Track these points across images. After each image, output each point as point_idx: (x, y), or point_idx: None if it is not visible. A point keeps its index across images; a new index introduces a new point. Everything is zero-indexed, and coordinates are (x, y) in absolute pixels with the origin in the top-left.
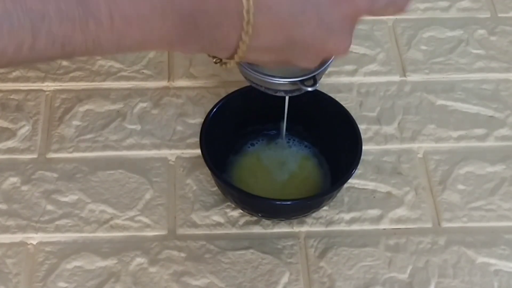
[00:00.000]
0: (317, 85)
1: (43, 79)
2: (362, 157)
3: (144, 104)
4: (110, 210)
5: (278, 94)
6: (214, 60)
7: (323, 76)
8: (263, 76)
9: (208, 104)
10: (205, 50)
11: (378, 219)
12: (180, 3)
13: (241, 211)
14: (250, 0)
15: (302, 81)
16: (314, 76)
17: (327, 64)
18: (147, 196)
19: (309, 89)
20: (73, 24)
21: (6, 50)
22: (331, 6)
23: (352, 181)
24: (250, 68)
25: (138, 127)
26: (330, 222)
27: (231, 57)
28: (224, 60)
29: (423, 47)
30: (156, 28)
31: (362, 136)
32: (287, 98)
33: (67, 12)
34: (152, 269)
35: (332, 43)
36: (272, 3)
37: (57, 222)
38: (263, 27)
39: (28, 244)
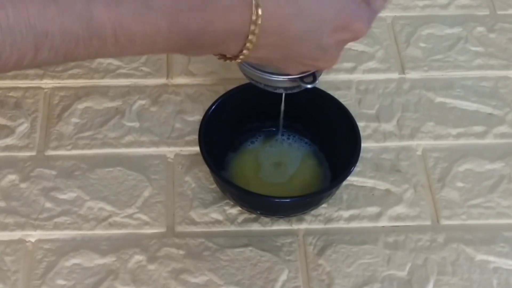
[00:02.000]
0: (317, 82)
1: (41, 77)
2: (361, 154)
3: (143, 102)
4: (108, 207)
5: (277, 91)
6: (218, 57)
7: (322, 73)
8: (262, 73)
9: (207, 101)
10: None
11: (377, 216)
12: (186, 24)
13: (240, 208)
14: (257, 27)
15: (301, 78)
16: (314, 73)
17: None
18: (146, 193)
19: (309, 86)
20: (76, 42)
21: (8, 61)
22: (332, 33)
23: (351, 179)
24: (249, 66)
25: (136, 124)
26: (329, 220)
27: (233, 58)
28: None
29: (422, 45)
30: (159, 45)
31: (361, 133)
32: (283, 95)
33: (71, 31)
34: (151, 267)
35: (323, 62)
36: (278, 29)
37: (55, 220)
38: (264, 45)
39: (27, 242)
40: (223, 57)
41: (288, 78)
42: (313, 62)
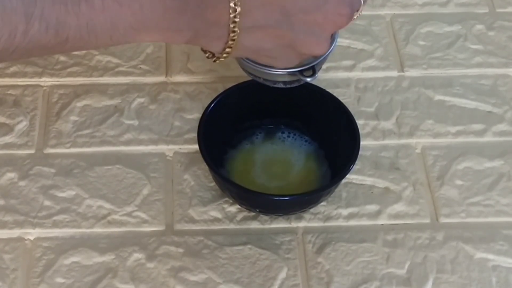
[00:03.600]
0: (316, 75)
1: (40, 74)
2: (360, 152)
3: (142, 100)
4: (107, 205)
5: (276, 85)
6: (207, 55)
7: (321, 71)
8: (261, 67)
9: (206, 99)
10: (199, 37)
11: (376, 214)
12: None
13: (239, 206)
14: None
15: (301, 72)
16: (313, 66)
17: (326, 54)
18: (145, 191)
19: (308, 79)
20: (65, 7)
21: None
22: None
23: (350, 177)
24: (248, 59)
25: (135, 122)
26: (328, 218)
27: (226, 47)
28: (217, 55)
29: (421, 42)
30: (146, 8)
31: (360, 131)
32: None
33: None
34: (150, 265)
35: (330, 7)
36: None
37: (54, 218)
38: (253, 2)
39: (26, 240)
40: (213, 55)
41: (287, 71)
42: (319, 9)
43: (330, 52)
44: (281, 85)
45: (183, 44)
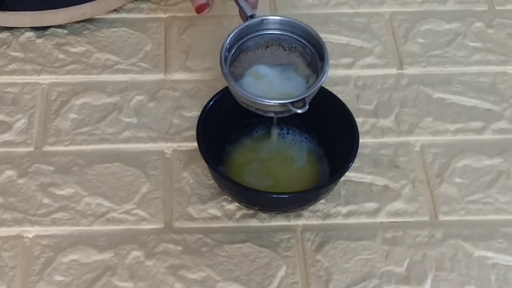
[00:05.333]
0: (306, 107)
1: (39, 72)
2: (359, 150)
3: (141, 97)
4: (106, 203)
5: (268, 114)
6: None
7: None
8: (254, 97)
9: (205, 97)
10: None
11: (375, 212)
12: None
13: (238, 204)
14: None
15: (292, 103)
16: (304, 98)
17: (316, 87)
18: (144, 189)
19: (299, 111)
20: None
21: None
22: None
23: (349, 174)
24: (242, 90)
25: (134, 120)
26: (327, 216)
27: None
28: None
29: (420, 40)
30: None
31: (359, 129)
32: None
33: None
34: (149, 263)
35: None
36: None
37: (53, 215)
38: None
39: (24, 238)
40: None
41: (279, 102)
42: None
43: (320, 83)
44: (272, 115)
45: None
